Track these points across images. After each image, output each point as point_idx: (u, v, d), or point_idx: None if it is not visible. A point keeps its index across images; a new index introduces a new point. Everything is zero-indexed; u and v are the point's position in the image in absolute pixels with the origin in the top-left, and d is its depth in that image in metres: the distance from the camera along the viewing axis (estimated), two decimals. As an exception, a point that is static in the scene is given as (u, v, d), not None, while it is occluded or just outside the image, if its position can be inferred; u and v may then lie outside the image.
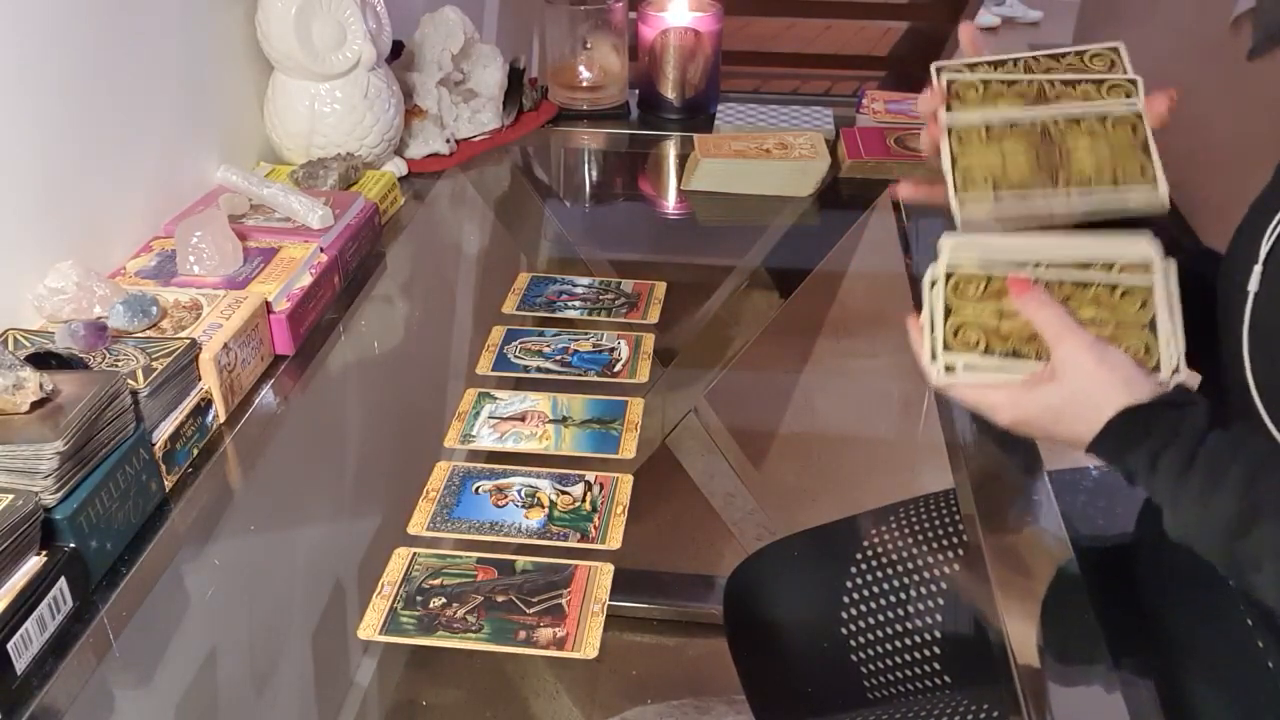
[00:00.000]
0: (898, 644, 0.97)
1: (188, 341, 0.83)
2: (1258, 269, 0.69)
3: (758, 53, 3.41)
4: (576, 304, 1.18)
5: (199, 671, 0.88)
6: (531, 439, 0.97)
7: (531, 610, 0.79)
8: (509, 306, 1.19)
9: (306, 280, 0.99)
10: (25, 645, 0.64)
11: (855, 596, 1.00)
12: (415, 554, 0.84)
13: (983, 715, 0.81)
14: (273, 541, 1.00)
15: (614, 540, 0.85)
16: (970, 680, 0.92)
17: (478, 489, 0.91)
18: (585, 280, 1.23)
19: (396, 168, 1.30)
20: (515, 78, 1.47)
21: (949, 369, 0.75)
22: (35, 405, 0.69)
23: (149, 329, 0.87)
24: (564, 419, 1.00)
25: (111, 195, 0.99)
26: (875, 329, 2.40)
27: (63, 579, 0.67)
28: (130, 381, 0.77)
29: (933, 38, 3.10)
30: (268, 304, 0.94)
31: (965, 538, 0.97)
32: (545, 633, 0.77)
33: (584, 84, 1.55)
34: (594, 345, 1.11)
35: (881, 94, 1.53)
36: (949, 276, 0.75)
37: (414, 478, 0.93)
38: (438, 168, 1.36)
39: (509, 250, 1.53)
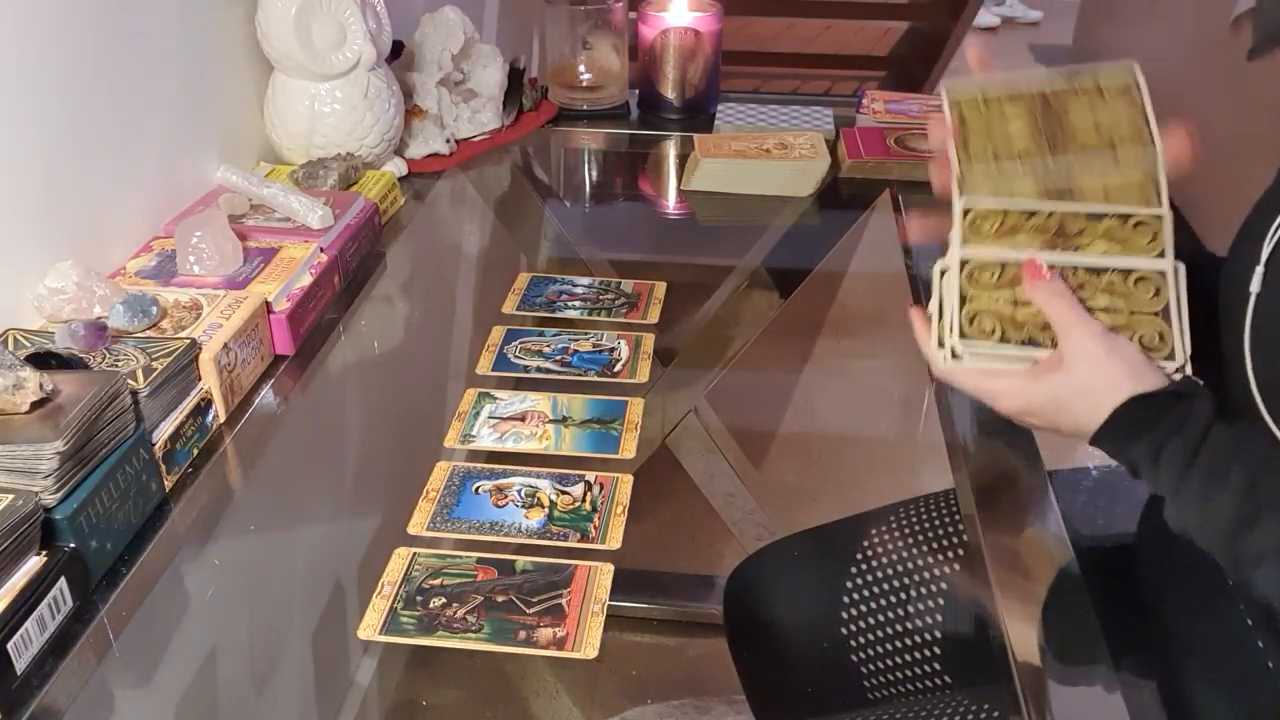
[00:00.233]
0: (898, 644, 0.97)
1: (188, 341, 0.83)
2: (1260, 270, 0.69)
3: (758, 53, 3.41)
4: (576, 304, 1.18)
5: (199, 671, 0.88)
6: (531, 439, 0.97)
7: (531, 610, 0.79)
8: (509, 306, 1.19)
9: (306, 280, 0.99)
10: (25, 645, 0.64)
11: (855, 596, 1.00)
12: (415, 554, 0.84)
13: (983, 715, 0.81)
14: (273, 541, 1.00)
15: (614, 540, 0.85)
16: (970, 680, 0.92)
17: (478, 489, 0.91)
18: (585, 280, 1.23)
19: (396, 168, 1.30)
20: (515, 78, 1.47)
21: (955, 355, 0.75)
22: (35, 405, 0.69)
23: (149, 329, 0.87)
24: (564, 419, 1.00)
25: (111, 195, 0.99)
26: (875, 329, 2.41)
27: (63, 579, 0.67)
28: (130, 381, 0.77)
29: (933, 38, 3.09)
30: (268, 304, 0.94)
31: (965, 538, 0.97)
32: (545, 633, 0.77)
33: (584, 84, 1.55)
34: (594, 345, 1.11)
35: (881, 94, 1.53)
36: (964, 264, 0.75)
37: (414, 478, 0.93)
38: (438, 168, 1.36)
39: (509, 250, 1.53)
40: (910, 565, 0.99)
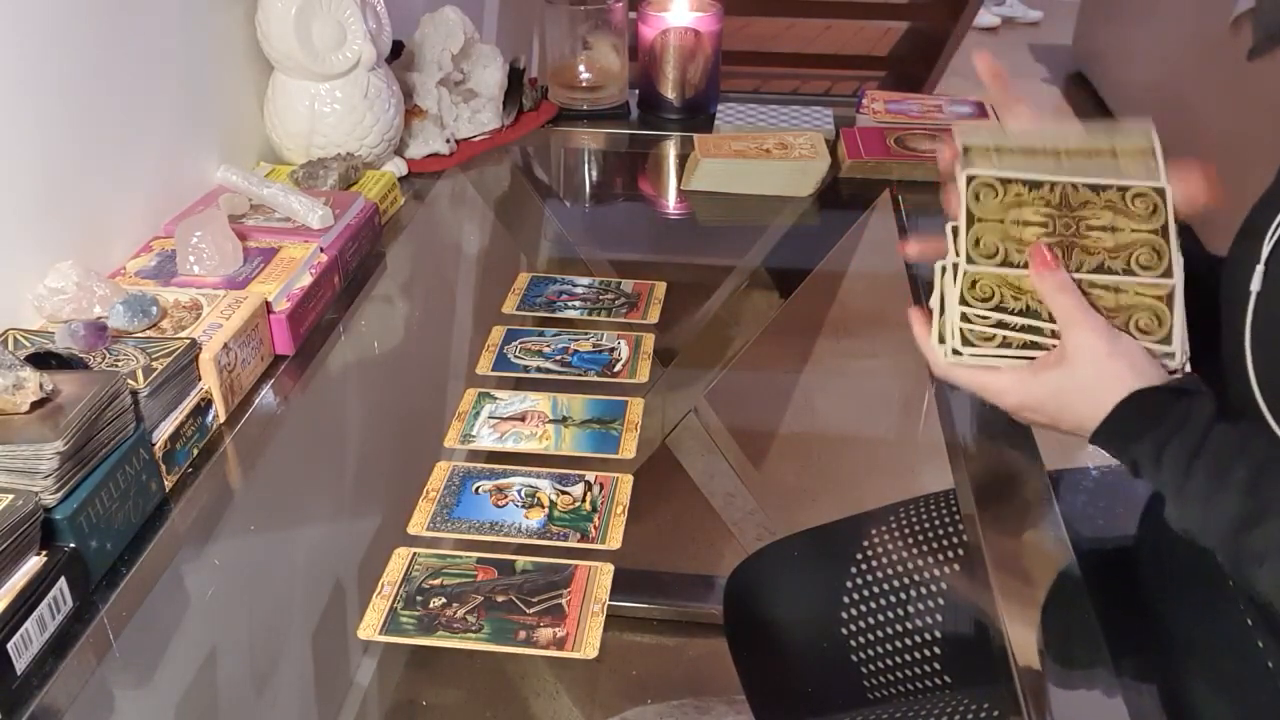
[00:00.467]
0: (898, 644, 0.97)
1: (188, 341, 0.83)
2: (1260, 269, 0.69)
3: (758, 53, 3.41)
4: (576, 304, 1.18)
5: (199, 671, 0.88)
6: (531, 439, 0.97)
7: (531, 610, 0.79)
8: (509, 306, 1.19)
9: (306, 280, 0.99)
10: (25, 645, 0.64)
11: (855, 596, 1.00)
12: (415, 554, 0.84)
13: (983, 715, 0.81)
14: (273, 541, 1.00)
15: (614, 540, 0.85)
16: (970, 680, 0.92)
17: (478, 489, 0.91)
18: (585, 280, 1.23)
19: (396, 168, 1.30)
20: (515, 78, 1.47)
21: (955, 352, 0.75)
22: (35, 405, 0.69)
23: (149, 329, 0.87)
24: (564, 419, 1.00)
25: (111, 195, 0.99)
26: (875, 329, 2.41)
27: (63, 579, 0.67)
28: (130, 381, 0.77)
29: (933, 38, 3.09)
30: (268, 304, 0.94)
31: (965, 538, 0.97)
32: (545, 633, 0.77)
33: (584, 84, 1.55)
34: (594, 345, 1.11)
35: (881, 94, 1.53)
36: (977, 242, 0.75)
37: (414, 478, 0.93)
38: (438, 168, 1.36)
39: (509, 250, 1.53)
40: (910, 565, 0.99)
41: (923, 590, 0.97)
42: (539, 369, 1.07)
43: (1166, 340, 0.72)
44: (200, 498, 0.81)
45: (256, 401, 0.91)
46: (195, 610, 0.82)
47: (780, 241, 1.36)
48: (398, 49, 1.35)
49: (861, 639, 0.99)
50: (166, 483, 0.79)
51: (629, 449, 0.96)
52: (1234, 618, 0.74)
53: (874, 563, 1.01)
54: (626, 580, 0.82)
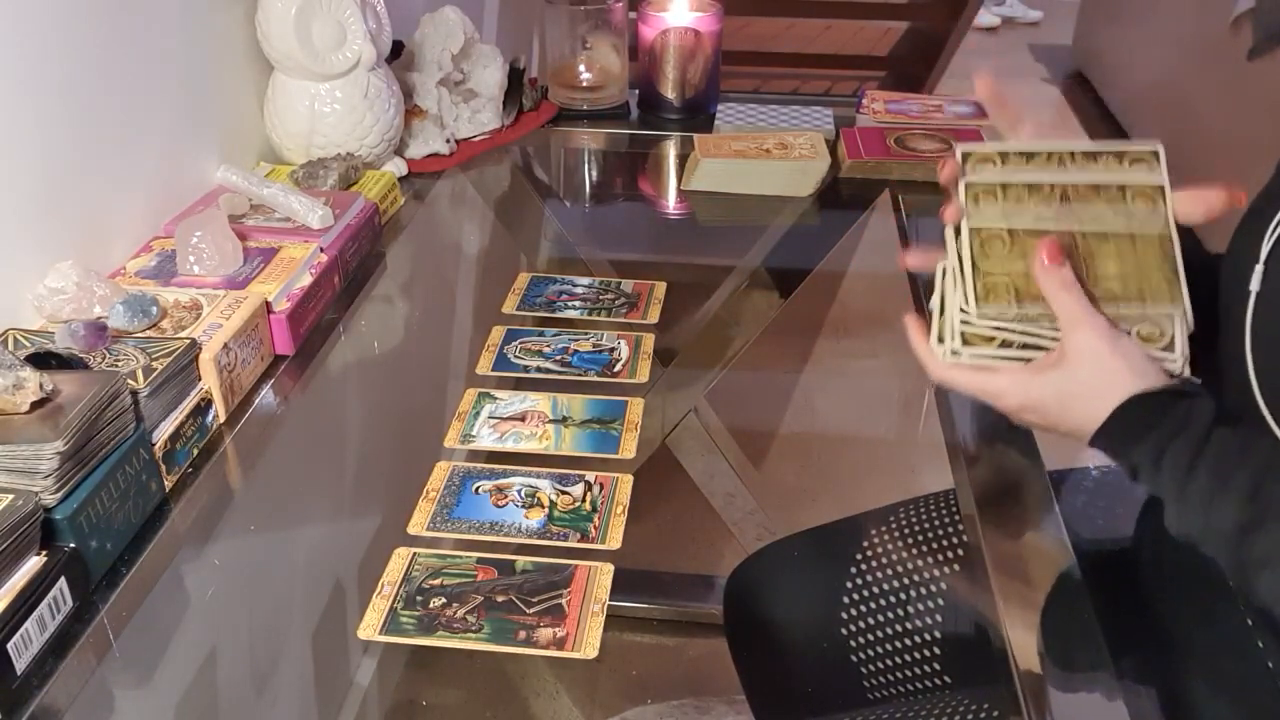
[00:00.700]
0: (898, 644, 0.97)
1: (188, 341, 0.83)
2: (1259, 268, 0.69)
3: (758, 53, 3.41)
4: (576, 304, 1.18)
5: (199, 671, 0.88)
6: (531, 439, 0.97)
7: (531, 610, 0.79)
8: (509, 306, 1.19)
9: (306, 280, 0.99)
10: (25, 645, 0.64)
11: (855, 597, 1.00)
12: (415, 554, 0.84)
13: (983, 715, 0.81)
14: (273, 541, 1.00)
15: (614, 540, 0.85)
16: (970, 680, 0.92)
17: (478, 489, 0.91)
18: (585, 280, 1.23)
19: (396, 168, 1.30)
20: (515, 78, 1.47)
21: (955, 352, 0.74)
22: (35, 405, 0.69)
23: (149, 329, 0.87)
24: (564, 419, 1.00)
25: (111, 195, 0.99)
26: (875, 329, 2.41)
27: (63, 579, 0.67)
28: (130, 381, 0.77)
29: (933, 38, 3.10)
30: (268, 304, 0.94)
31: (965, 538, 0.97)
32: (545, 633, 0.77)
33: (584, 84, 1.55)
34: (594, 345, 1.11)
35: (881, 94, 1.53)
36: (974, 232, 0.74)
37: (414, 478, 0.93)
38: (438, 168, 1.36)
39: (509, 250, 1.53)
40: (910, 565, 0.99)
41: (923, 590, 0.97)
42: (539, 369, 1.07)
43: (1169, 348, 0.71)
44: (200, 498, 0.81)
45: (256, 401, 0.91)
46: (195, 610, 0.82)
47: (780, 241, 1.36)
48: (398, 49, 1.35)
49: (861, 639, 0.99)
50: (166, 483, 0.79)
51: (629, 449, 0.96)
52: (1234, 618, 0.74)
53: (874, 563, 1.00)
54: (626, 580, 0.82)
